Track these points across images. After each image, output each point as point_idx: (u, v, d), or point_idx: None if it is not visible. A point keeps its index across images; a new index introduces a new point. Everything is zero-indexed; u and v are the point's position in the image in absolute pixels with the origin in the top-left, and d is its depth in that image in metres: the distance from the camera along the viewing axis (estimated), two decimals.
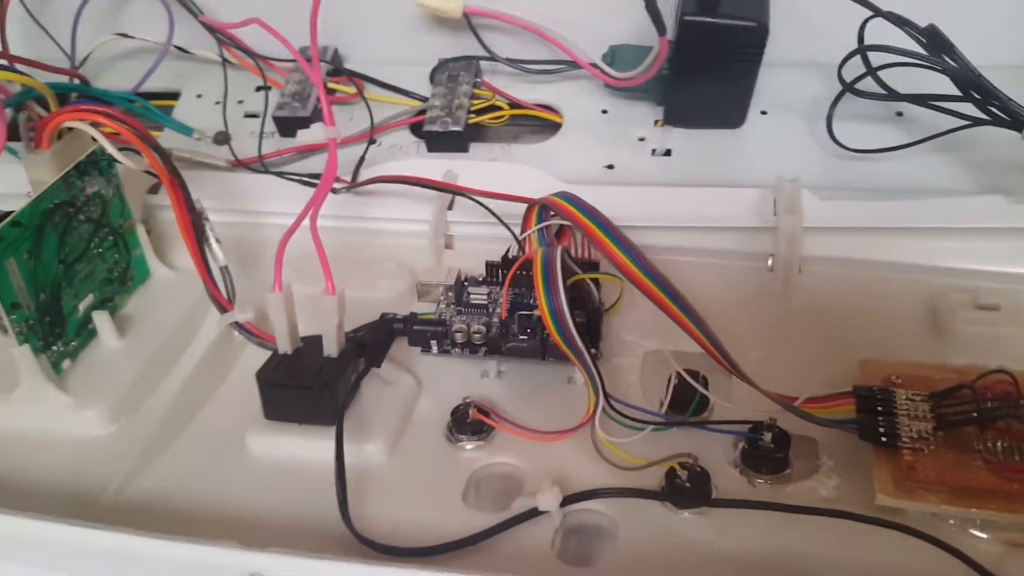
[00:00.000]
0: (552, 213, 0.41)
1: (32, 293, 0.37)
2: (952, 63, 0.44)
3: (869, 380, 0.36)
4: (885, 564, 0.31)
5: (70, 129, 0.40)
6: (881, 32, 0.46)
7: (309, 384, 0.36)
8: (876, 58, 0.47)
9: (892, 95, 0.47)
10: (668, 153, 0.49)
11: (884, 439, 0.33)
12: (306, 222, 0.36)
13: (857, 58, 0.47)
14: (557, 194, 0.40)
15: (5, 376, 0.38)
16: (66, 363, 0.40)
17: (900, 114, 0.49)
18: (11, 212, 0.37)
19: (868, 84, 0.47)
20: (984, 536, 0.32)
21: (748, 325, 0.40)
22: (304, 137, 0.49)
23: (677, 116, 0.50)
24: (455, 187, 0.44)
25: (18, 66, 0.44)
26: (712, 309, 0.37)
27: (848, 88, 0.47)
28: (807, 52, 0.51)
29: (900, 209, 0.43)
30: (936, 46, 0.45)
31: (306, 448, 0.36)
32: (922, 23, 0.45)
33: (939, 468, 0.33)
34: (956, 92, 0.45)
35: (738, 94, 0.48)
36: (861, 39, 0.46)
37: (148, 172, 0.40)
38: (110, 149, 0.39)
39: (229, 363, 0.42)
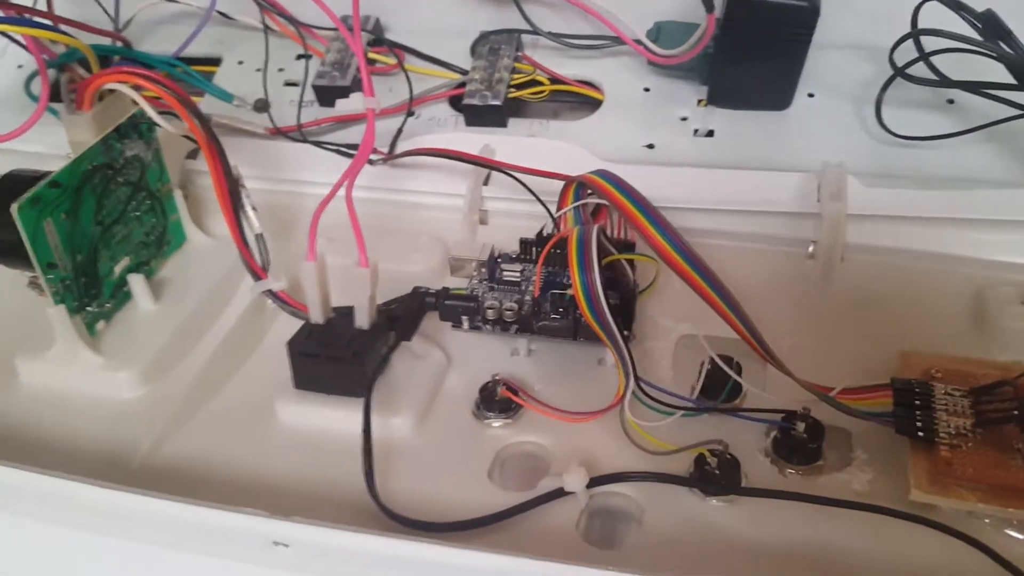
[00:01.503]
0: (589, 191, 0.40)
1: (69, 254, 0.38)
2: (1008, 50, 0.43)
3: (908, 373, 0.35)
4: (917, 561, 0.31)
5: (111, 91, 0.40)
6: (936, 16, 0.44)
7: (340, 355, 0.36)
8: (929, 43, 0.45)
9: (944, 81, 0.46)
10: (711, 134, 0.48)
11: (921, 433, 0.33)
12: (341, 192, 0.36)
13: (909, 42, 0.45)
14: (594, 172, 0.40)
15: (40, 335, 0.39)
16: (100, 324, 0.40)
17: (951, 101, 0.48)
18: (50, 172, 0.37)
19: (919, 69, 0.46)
20: (1020, 537, 0.31)
21: (786, 312, 0.40)
22: (343, 107, 0.49)
23: (721, 96, 0.49)
24: (492, 162, 0.44)
25: (62, 27, 0.44)
26: (749, 295, 0.37)
27: (899, 73, 0.46)
28: (858, 34, 0.50)
29: (948, 199, 0.42)
30: (992, 32, 0.43)
31: (334, 419, 0.36)
32: (979, 8, 0.44)
33: (976, 465, 0.32)
34: (1011, 80, 0.43)
35: (785, 75, 0.47)
36: (914, 23, 0.45)
37: (187, 137, 0.40)
38: (150, 112, 0.39)
39: (261, 331, 0.42)
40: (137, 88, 0.39)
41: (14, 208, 0.35)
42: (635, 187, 0.38)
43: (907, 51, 0.46)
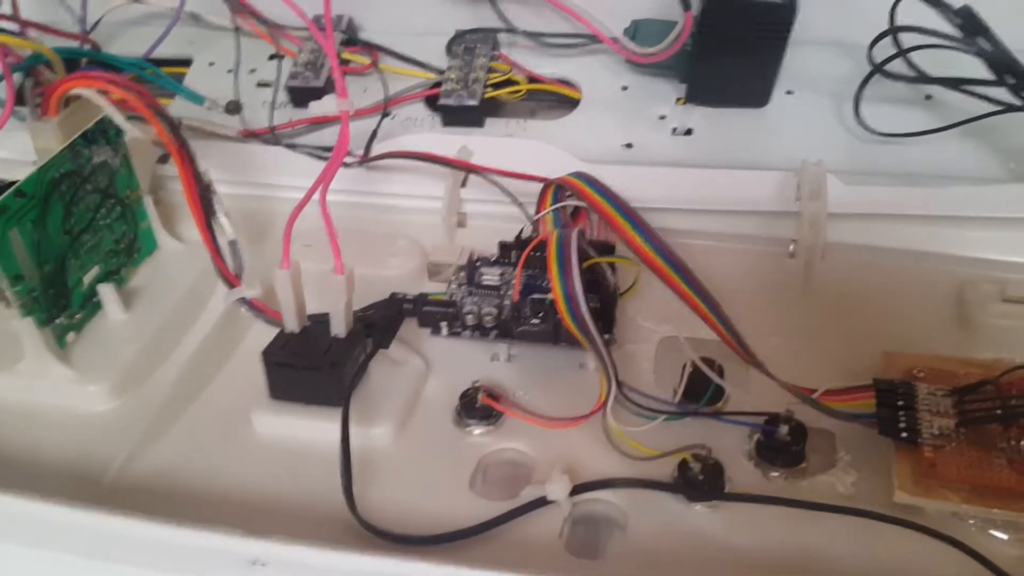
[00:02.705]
0: (568, 193, 0.40)
1: (36, 264, 0.37)
2: (986, 46, 0.43)
3: (891, 372, 0.35)
4: (901, 564, 0.31)
5: (77, 97, 0.39)
6: (913, 13, 0.44)
7: (316, 364, 0.35)
8: (907, 39, 0.45)
9: (923, 78, 0.46)
10: (689, 132, 0.48)
11: (904, 435, 0.33)
12: (316, 197, 0.36)
13: (887, 39, 0.45)
14: (573, 174, 0.39)
15: (8, 349, 0.38)
16: (70, 336, 0.39)
17: (930, 97, 0.48)
18: (15, 181, 0.36)
19: (898, 66, 0.46)
20: (1005, 537, 0.31)
21: (767, 313, 0.39)
22: (316, 109, 0.48)
23: (700, 94, 0.48)
24: (469, 164, 0.43)
25: (29, 31, 0.43)
26: (730, 295, 0.36)
27: (877, 69, 0.45)
28: (836, 31, 0.50)
29: (928, 196, 0.41)
30: (970, 28, 0.43)
31: (312, 429, 0.36)
32: (956, 4, 0.43)
33: (960, 466, 0.32)
34: (989, 76, 0.43)
35: (763, 72, 0.47)
36: (892, 19, 0.45)
37: (156, 142, 0.39)
38: (117, 118, 0.38)
39: (236, 340, 0.41)
40: (103, 92, 0.38)
41: None
42: (613, 187, 0.38)
43: (885, 48, 0.46)
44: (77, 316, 0.39)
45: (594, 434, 0.35)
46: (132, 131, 0.39)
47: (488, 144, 0.46)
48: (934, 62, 0.45)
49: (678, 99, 0.49)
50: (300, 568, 0.29)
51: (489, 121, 0.51)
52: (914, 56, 0.45)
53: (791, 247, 0.41)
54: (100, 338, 0.40)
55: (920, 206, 0.41)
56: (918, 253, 0.41)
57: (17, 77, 0.43)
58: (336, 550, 0.28)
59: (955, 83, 0.45)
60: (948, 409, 0.33)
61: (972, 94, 0.44)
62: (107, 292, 0.40)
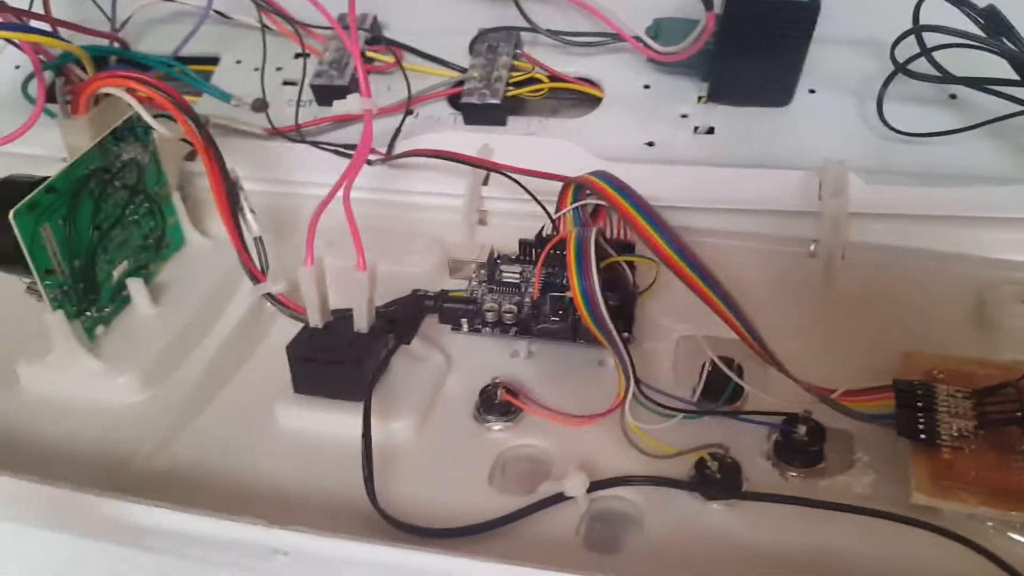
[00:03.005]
0: (588, 192, 0.40)
1: (67, 259, 0.38)
2: (1011, 45, 0.42)
3: (911, 373, 0.35)
4: (919, 565, 0.31)
5: (107, 95, 0.40)
6: (937, 12, 0.44)
7: (339, 359, 0.36)
8: (931, 39, 0.45)
9: (946, 77, 0.45)
10: (711, 131, 0.48)
11: (923, 436, 0.33)
12: (340, 194, 0.36)
13: (911, 38, 0.45)
14: (593, 173, 0.39)
15: (38, 341, 0.39)
16: (99, 329, 0.40)
17: (953, 97, 0.47)
18: (46, 178, 0.37)
19: (921, 65, 0.46)
20: (1023, 540, 0.31)
21: (787, 313, 0.39)
22: (340, 108, 0.48)
23: (722, 93, 0.48)
24: (490, 163, 0.44)
25: (59, 29, 0.43)
26: (750, 295, 0.36)
27: (901, 69, 0.45)
28: (859, 30, 0.49)
29: (950, 196, 0.41)
30: (994, 27, 0.43)
31: (334, 423, 0.36)
32: (981, 3, 0.43)
33: (979, 468, 0.32)
34: (1014, 76, 0.43)
35: (786, 71, 0.47)
36: (916, 18, 0.45)
37: (183, 139, 0.40)
38: (145, 115, 0.39)
39: (261, 334, 0.42)
40: (131, 91, 0.38)
41: (11, 215, 0.34)
42: (634, 186, 0.38)
43: (908, 47, 0.45)
44: (106, 310, 0.40)
45: (612, 432, 0.35)
46: (160, 128, 0.39)
47: (510, 142, 0.46)
48: (958, 62, 0.45)
49: (700, 98, 0.49)
50: (321, 558, 0.29)
51: (511, 119, 0.51)
52: (938, 55, 0.45)
53: (812, 247, 0.41)
54: (129, 332, 0.40)
55: (942, 206, 0.41)
56: (939, 254, 0.41)
57: (47, 76, 0.44)
58: (356, 540, 0.29)
59: (979, 83, 0.44)
60: (967, 411, 0.33)
61: (996, 94, 0.44)
62: (136, 286, 0.40)
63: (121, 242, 0.41)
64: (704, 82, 0.50)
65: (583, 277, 0.34)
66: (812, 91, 0.49)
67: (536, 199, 0.41)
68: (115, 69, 0.43)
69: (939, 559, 0.31)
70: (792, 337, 0.38)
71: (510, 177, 0.42)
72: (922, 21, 0.44)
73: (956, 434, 0.32)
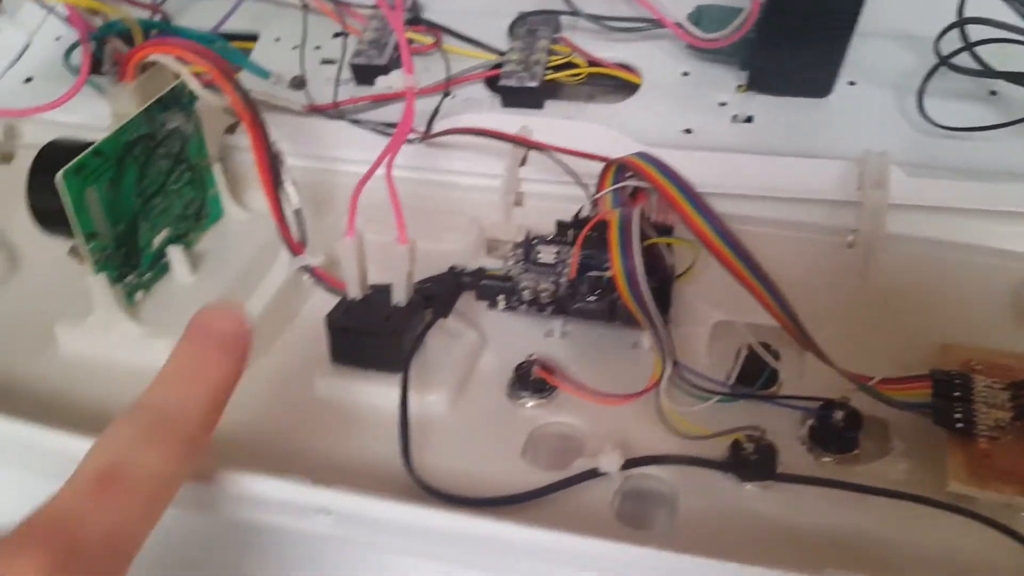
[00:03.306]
0: (628, 174, 0.40)
1: (110, 223, 0.38)
2: None
3: (948, 365, 0.35)
4: (953, 551, 0.31)
5: (153, 63, 0.41)
6: (982, 6, 0.44)
7: (377, 330, 0.36)
8: (974, 34, 0.45)
9: (988, 72, 0.45)
10: (749, 120, 0.48)
11: (960, 425, 0.33)
12: (379, 172, 0.36)
13: (953, 33, 0.45)
14: (636, 154, 0.39)
15: (79, 304, 0.39)
16: (139, 295, 0.40)
17: (994, 93, 0.47)
18: (93, 141, 0.37)
19: (963, 60, 0.45)
20: None
21: (822, 301, 0.39)
22: (383, 83, 0.49)
23: (761, 82, 0.48)
24: (531, 142, 0.44)
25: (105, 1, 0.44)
26: (786, 283, 0.36)
27: (944, 62, 0.45)
28: (901, 23, 0.49)
29: (990, 191, 0.41)
30: None
31: (371, 394, 0.36)
32: None
33: (1015, 458, 0.32)
34: None
35: (827, 62, 0.47)
36: (961, 11, 0.44)
37: (228, 111, 0.40)
38: (192, 83, 0.39)
39: (296, 307, 0.42)
40: (180, 60, 0.39)
41: (59, 176, 0.35)
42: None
43: (951, 41, 0.45)
44: (146, 276, 0.41)
45: (646, 412, 0.35)
46: (208, 96, 0.39)
47: (548, 124, 0.46)
48: (1002, 57, 0.44)
49: (739, 86, 0.49)
50: (361, 519, 0.30)
51: (548, 103, 0.51)
52: (981, 50, 0.45)
53: (850, 237, 0.41)
54: (168, 298, 0.41)
55: (983, 201, 0.41)
56: (979, 248, 0.41)
57: (93, 44, 0.44)
58: (398, 501, 0.29)
59: (1021, 78, 0.44)
60: (1004, 402, 0.33)
61: None
62: (176, 254, 0.41)
63: (163, 210, 0.41)
64: (743, 71, 0.49)
65: (626, 256, 0.34)
66: (852, 83, 0.49)
67: (577, 178, 0.41)
68: (164, 36, 0.43)
69: (975, 546, 0.30)
70: (827, 326, 0.38)
71: (551, 155, 0.42)
72: (966, 14, 0.44)
73: (993, 424, 0.32)
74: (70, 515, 0.23)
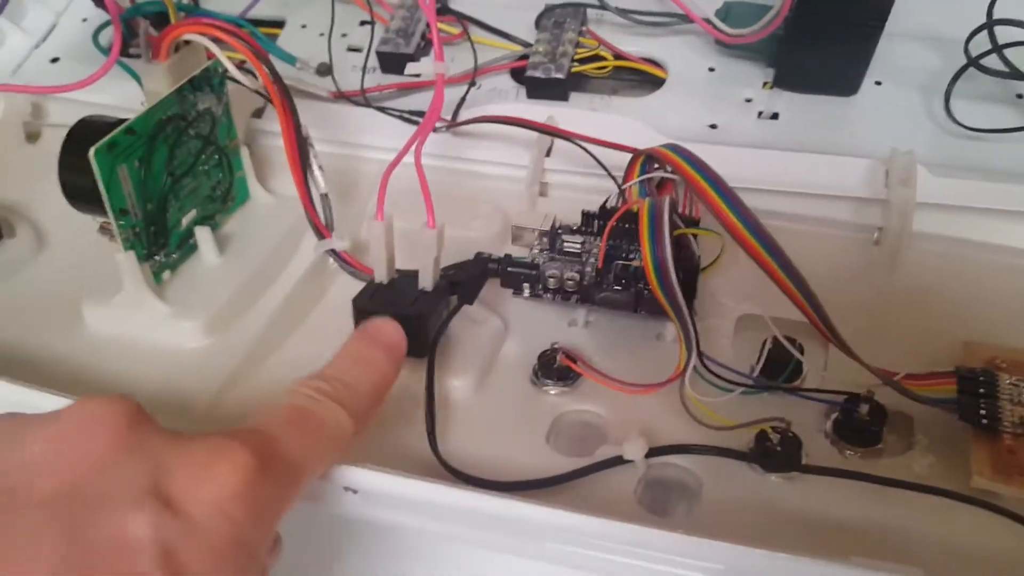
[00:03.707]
0: (656, 166, 0.40)
1: (140, 201, 0.38)
2: None
3: (972, 362, 0.35)
4: (975, 545, 0.31)
5: (187, 42, 0.41)
6: (1012, 8, 0.44)
7: (403, 313, 0.36)
8: (1004, 35, 0.45)
9: (1015, 74, 0.45)
10: (775, 116, 0.48)
11: (985, 421, 0.33)
12: (408, 157, 0.36)
13: (983, 35, 0.45)
14: (665, 145, 0.39)
15: (105, 283, 0.39)
16: (166, 274, 0.41)
17: (1020, 96, 0.47)
18: (126, 119, 0.37)
19: (991, 62, 0.45)
20: None
21: (848, 298, 0.39)
22: (412, 69, 0.49)
23: (788, 79, 0.48)
24: (559, 130, 0.44)
25: None
26: (811, 278, 0.36)
27: (972, 63, 0.45)
28: (929, 24, 0.49)
29: (1016, 193, 0.41)
30: None
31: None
32: None
33: None
34: None
35: (854, 61, 0.47)
36: (990, 13, 0.44)
37: (259, 93, 0.40)
38: (228, 65, 0.39)
39: (322, 290, 0.42)
40: (215, 41, 0.39)
41: (91, 152, 0.35)
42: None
43: (980, 43, 0.45)
44: (174, 256, 0.41)
45: (669, 402, 0.35)
46: (241, 78, 0.40)
47: (573, 116, 0.46)
48: None
49: (765, 83, 0.49)
50: (387, 497, 0.30)
51: (573, 96, 0.51)
52: (1009, 53, 0.45)
53: (876, 234, 0.41)
54: (195, 278, 0.41)
55: (1009, 201, 0.41)
56: (1004, 248, 0.41)
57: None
58: (423, 480, 0.29)
59: None
60: None
61: None
62: (204, 235, 0.41)
63: (191, 190, 0.41)
64: (770, 68, 0.50)
65: (656, 246, 0.34)
66: (878, 83, 0.49)
67: (605, 168, 0.41)
68: (198, 16, 0.43)
69: (997, 540, 0.31)
70: (852, 322, 0.38)
71: (579, 144, 0.42)
72: (996, 16, 0.44)
73: (1017, 421, 0.33)
74: (269, 435, 0.27)
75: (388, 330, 0.34)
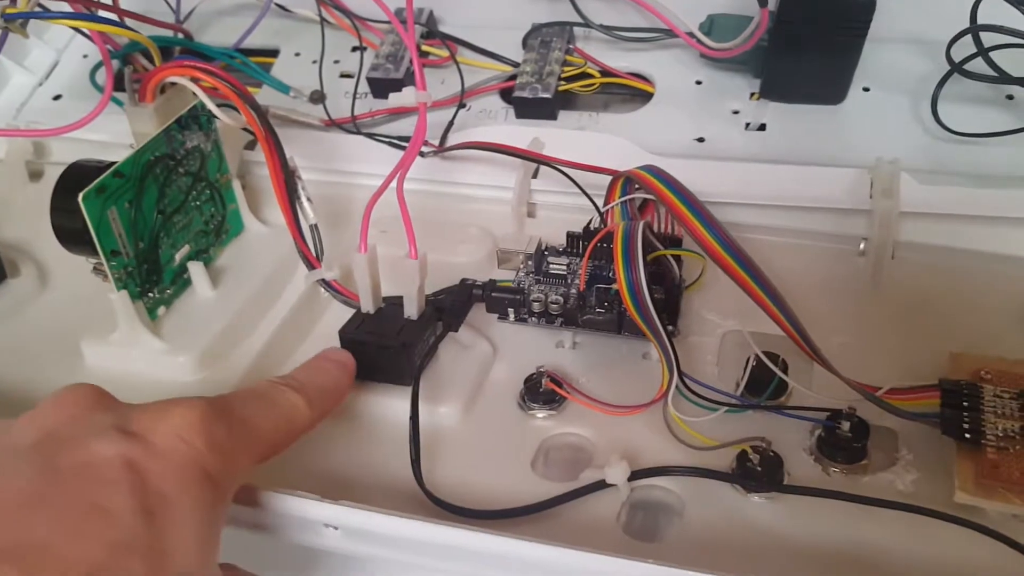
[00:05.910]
0: (636, 186, 0.40)
1: (132, 241, 0.39)
2: None
3: (958, 373, 0.35)
4: (960, 564, 0.31)
5: (173, 84, 0.42)
6: (995, 11, 0.43)
7: (389, 344, 0.37)
8: (988, 39, 0.44)
9: (1003, 77, 0.45)
10: (762, 128, 0.48)
11: (968, 435, 0.33)
12: (393, 184, 0.37)
13: (967, 38, 0.45)
14: (642, 167, 0.40)
15: (104, 320, 0.40)
16: (161, 310, 0.41)
17: (1011, 97, 0.47)
18: (114, 162, 0.38)
19: (978, 66, 0.45)
20: None
21: (833, 310, 0.40)
22: (396, 100, 0.49)
23: (774, 90, 0.48)
24: (540, 156, 0.44)
25: (126, 20, 0.45)
26: (797, 292, 0.37)
27: (957, 68, 0.45)
28: (915, 28, 0.49)
29: (1004, 198, 0.41)
30: None
31: (382, 406, 0.37)
32: None
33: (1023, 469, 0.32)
34: None
35: (840, 69, 0.47)
36: (973, 18, 0.44)
37: (245, 129, 0.41)
38: (209, 104, 0.40)
39: (314, 319, 0.43)
40: (196, 80, 0.40)
41: (80, 197, 0.36)
42: (684, 181, 0.38)
43: (965, 47, 0.45)
44: (168, 292, 0.42)
45: (654, 423, 0.36)
46: (223, 117, 0.40)
47: (560, 136, 0.47)
48: (1016, 62, 0.44)
49: (752, 94, 0.50)
50: (367, 533, 0.30)
51: (562, 114, 0.52)
52: (995, 55, 0.45)
53: (861, 245, 0.41)
54: (189, 313, 0.42)
55: (995, 207, 0.40)
56: (990, 255, 0.41)
57: (115, 64, 0.45)
58: (403, 517, 0.30)
59: None
60: (1014, 411, 0.33)
61: None
62: (197, 270, 0.42)
63: (183, 226, 0.42)
64: (756, 79, 0.50)
65: (630, 269, 0.34)
66: (866, 89, 0.48)
67: (585, 192, 0.42)
68: (181, 59, 0.44)
69: (981, 558, 0.31)
70: (839, 334, 0.38)
71: (559, 170, 0.43)
72: (979, 20, 0.44)
73: (1001, 434, 0.32)
74: (222, 397, 0.32)
75: (336, 352, 0.38)
